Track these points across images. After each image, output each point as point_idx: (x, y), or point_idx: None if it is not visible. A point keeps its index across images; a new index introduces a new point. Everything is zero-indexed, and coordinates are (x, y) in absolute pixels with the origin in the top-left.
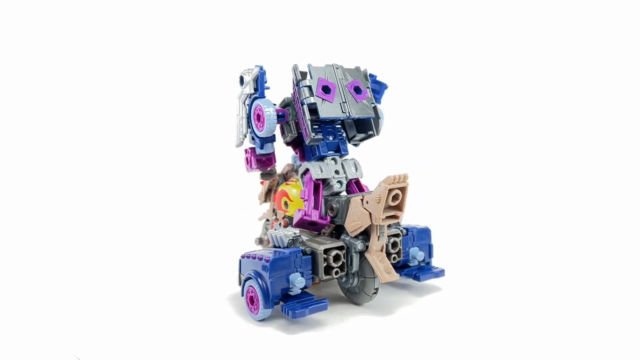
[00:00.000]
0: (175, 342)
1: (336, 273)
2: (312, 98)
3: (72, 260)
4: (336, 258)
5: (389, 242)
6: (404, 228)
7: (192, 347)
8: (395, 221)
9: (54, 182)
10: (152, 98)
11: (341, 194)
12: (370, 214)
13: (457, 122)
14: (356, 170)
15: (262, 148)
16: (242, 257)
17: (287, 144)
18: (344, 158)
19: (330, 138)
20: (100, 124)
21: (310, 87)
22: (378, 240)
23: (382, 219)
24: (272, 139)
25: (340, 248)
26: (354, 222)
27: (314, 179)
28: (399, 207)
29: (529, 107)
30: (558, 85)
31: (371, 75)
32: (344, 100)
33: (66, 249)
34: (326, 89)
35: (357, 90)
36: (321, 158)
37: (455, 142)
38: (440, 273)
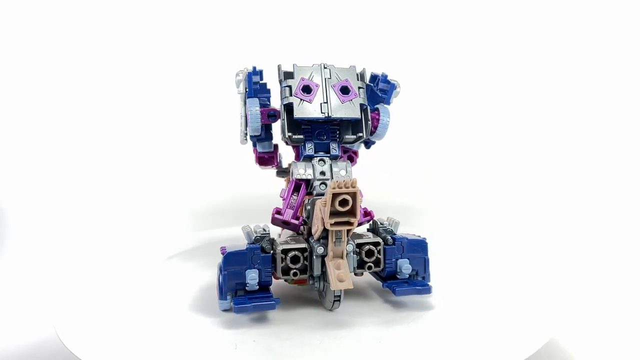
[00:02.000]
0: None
1: (294, 274)
2: (290, 98)
3: (72, 258)
4: (295, 260)
5: (362, 250)
6: (392, 237)
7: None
8: (348, 227)
9: (53, 182)
10: (167, 97)
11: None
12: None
13: (459, 122)
14: (345, 173)
15: (255, 146)
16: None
17: (286, 143)
18: (338, 160)
19: (323, 138)
20: (114, 126)
21: (291, 87)
22: (335, 245)
23: (331, 224)
24: (264, 137)
25: (302, 250)
26: (314, 224)
27: (294, 179)
28: (353, 214)
29: (530, 108)
30: (559, 86)
31: (383, 75)
32: (325, 101)
33: (66, 248)
34: (307, 89)
35: (344, 90)
36: (310, 158)
37: (456, 143)
38: (425, 290)
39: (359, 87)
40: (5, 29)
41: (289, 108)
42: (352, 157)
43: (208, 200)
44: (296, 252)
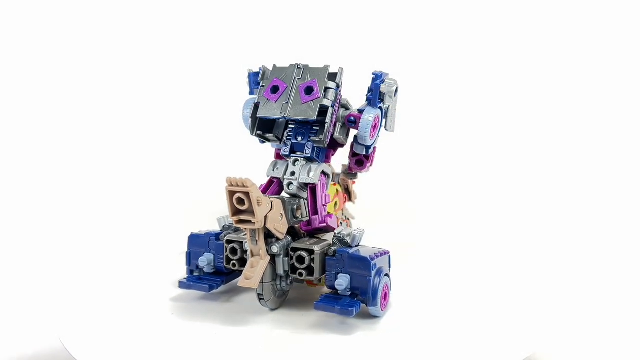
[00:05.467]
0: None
1: (233, 265)
2: (259, 97)
3: (75, 264)
4: (233, 251)
5: (294, 255)
6: (337, 249)
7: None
8: (248, 226)
9: (54, 182)
10: (168, 97)
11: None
12: None
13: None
14: (313, 174)
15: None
16: None
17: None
18: (314, 162)
19: (302, 139)
20: (114, 126)
21: (264, 87)
22: (251, 243)
23: (236, 222)
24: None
25: (242, 243)
26: None
27: (267, 176)
28: (253, 213)
29: (527, 110)
30: (557, 90)
31: (378, 75)
32: (287, 101)
33: (69, 253)
34: (275, 89)
35: (309, 90)
36: (288, 157)
37: (446, 146)
38: (346, 312)
39: (327, 88)
40: (5, 28)
41: (256, 107)
42: (362, 161)
43: (214, 198)
44: (234, 245)
